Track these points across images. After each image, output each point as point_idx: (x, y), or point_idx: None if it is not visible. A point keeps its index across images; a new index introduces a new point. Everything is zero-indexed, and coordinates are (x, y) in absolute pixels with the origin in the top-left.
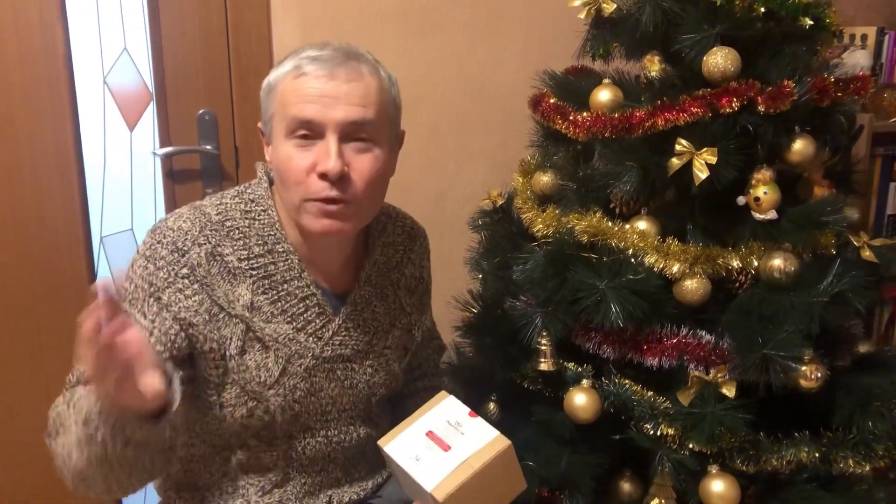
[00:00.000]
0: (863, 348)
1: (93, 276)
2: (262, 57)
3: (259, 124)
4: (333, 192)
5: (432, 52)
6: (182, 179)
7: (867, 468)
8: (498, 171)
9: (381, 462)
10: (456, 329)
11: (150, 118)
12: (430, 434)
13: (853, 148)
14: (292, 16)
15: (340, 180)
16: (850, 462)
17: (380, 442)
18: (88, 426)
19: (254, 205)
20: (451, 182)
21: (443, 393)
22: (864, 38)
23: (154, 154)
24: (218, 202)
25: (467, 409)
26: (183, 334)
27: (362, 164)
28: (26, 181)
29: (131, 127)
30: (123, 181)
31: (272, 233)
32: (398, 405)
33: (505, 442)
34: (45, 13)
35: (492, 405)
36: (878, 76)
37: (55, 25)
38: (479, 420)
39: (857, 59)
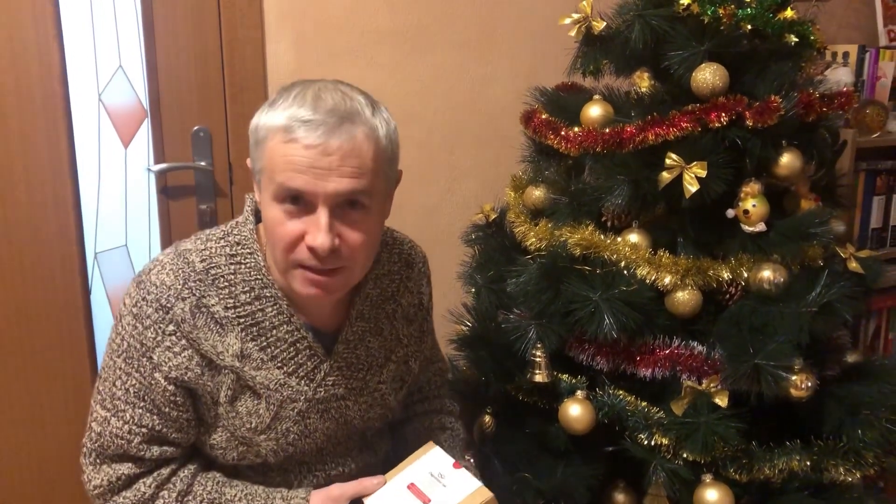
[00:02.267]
0: (851, 358)
1: (87, 291)
2: (256, 74)
3: (248, 161)
4: (321, 264)
5: (424, 70)
6: (176, 196)
7: (857, 476)
8: (489, 187)
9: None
10: (451, 342)
11: (144, 135)
12: (411, 486)
13: (837, 162)
14: (286, 34)
15: (330, 253)
16: (841, 470)
17: (364, 497)
18: None
19: (239, 248)
20: (443, 198)
21: (430, 443)
22: (845, 55)
23: (148, 170)
24: (203, 247)
25: (452, 461)
26: (181, 390)
27: (353, 236)
28: (21, 197)
29: (126, 144)
30: (118, 197)
31: (258, 277)
32: (397, 430)
33: (487, 494)
34: (40, 31)
35: (487, 417)
36: (860, 93)
37: (51, 43)
38: (463, 471)
39: (839, 76)
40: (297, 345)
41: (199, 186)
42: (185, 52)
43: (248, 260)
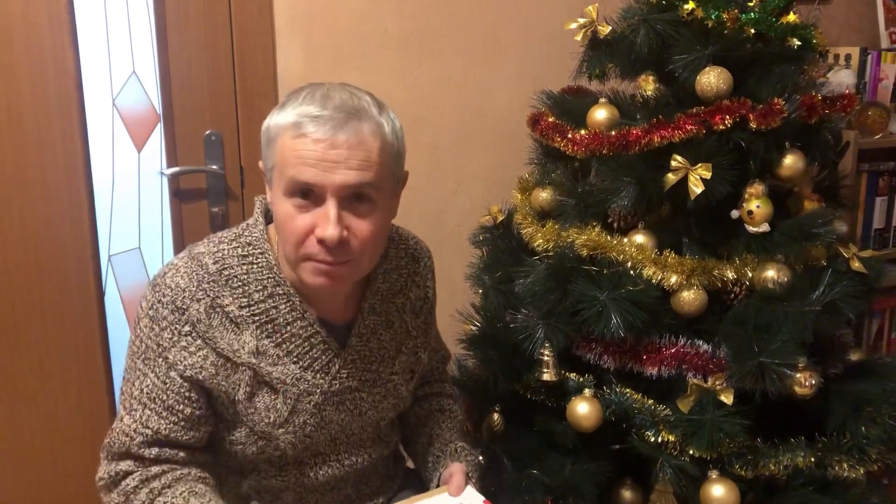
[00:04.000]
0: (854, 357)
1: (101, 293)
2: (266, 79)
3: (260, 163)
4: (331, 257)
5: (431, 75)
6: (188, 199)
7: (861, 472)
8: (495, 189)
9: (390, 475)
10: (460, 342)
11: (157, 139)
12: None
13: (840, 164)
14: (296, 40)
15: (339, 245)
16: (845, 466)
17: None
18: None
19: (251, 248)
20: (450, 200)
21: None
22: (847, 57)
23: (161, 174)
24: (215, 249)
25: (482, 498)
26: (196, 387)
27: (362, 227)
28: (37, 200)
29: (139, 147)
30: (131, 200)
31: (270, 276)
32: (401, 417)
33: None
34: (56, 37)
35: (495, 416)
36: (862, 94)
37: (66, 49)
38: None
39: (841, 78)
40: (312, 339)
41: (211, 190)
42: (197, 58)
43: (259, 260)
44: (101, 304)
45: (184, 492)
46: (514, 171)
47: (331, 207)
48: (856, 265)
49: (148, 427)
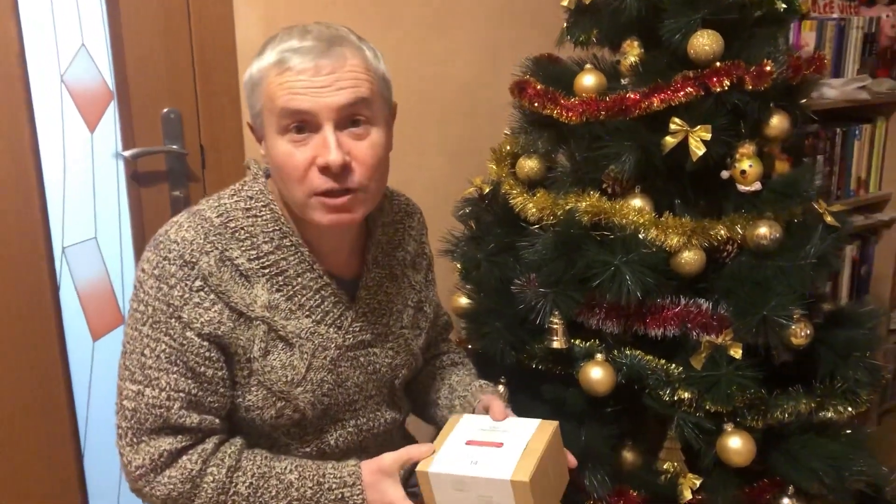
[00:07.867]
0: (826, 307)
1: (55, 288)
2: (226, 52)
3: (248, 120)
4: (337, 185)
5: (389, 45)
6: (147, 182)
7: (853, 413)
8: (457, 163)
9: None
10: (462, 316)
11: (111, 118)
12: (470, 443)
13: None
14: (255, 9)
15: (342, 171)
16: (840, 409)
17: (419, 468)
18: None
19: (253, 202)
20: (413, 175)
21: (455, 415)
22: None
23: (118, 155)
24: (216, 204)
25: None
26: (214, 346)
27: (361, 151)
28: None
29: (91, 128)
30: (85, 186)
31: (277, 227)
32: (412, 381)
33: (554, 422)
34: None
35: (501, 387)
36: None
37: (7, 21)
38: (512, 417)
39: None
40: (322, 292)
41: (172, 171)
42: (151, 29)
43: (263, 212)
44: (56, 300)
45: (258, 458)
46: (476, 143)
47: (328, 133)
48: (829, 219)
49: (180, 391)
